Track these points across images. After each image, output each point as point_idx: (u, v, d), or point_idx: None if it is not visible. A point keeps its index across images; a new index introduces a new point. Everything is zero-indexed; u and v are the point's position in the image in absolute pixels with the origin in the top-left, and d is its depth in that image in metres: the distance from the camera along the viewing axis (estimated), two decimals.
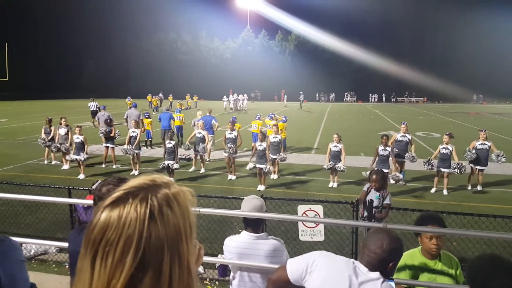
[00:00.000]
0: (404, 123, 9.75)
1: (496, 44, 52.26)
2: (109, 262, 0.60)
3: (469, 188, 8.86)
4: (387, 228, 1.94)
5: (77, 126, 9.94)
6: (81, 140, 9.72)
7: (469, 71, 52.26)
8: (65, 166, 10.67)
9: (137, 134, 10.12)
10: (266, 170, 8.77)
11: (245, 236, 2.61)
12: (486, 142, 8.78)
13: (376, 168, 7.28)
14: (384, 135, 8.82)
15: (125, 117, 12.33)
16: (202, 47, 60.91)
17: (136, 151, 10.03)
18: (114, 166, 10.80)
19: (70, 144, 10.17)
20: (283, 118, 13.29)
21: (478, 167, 8.76)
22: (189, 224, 0.67)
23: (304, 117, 27.97)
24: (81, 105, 31.50)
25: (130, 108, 15.91)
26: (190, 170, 10.35)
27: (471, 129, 19.59)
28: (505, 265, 1.78)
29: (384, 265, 1.72)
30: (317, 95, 50.76)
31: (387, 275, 1.74)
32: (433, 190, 8.63)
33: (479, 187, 8.77)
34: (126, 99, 29.12)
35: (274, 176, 9.76)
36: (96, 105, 19.96)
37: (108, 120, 11.33)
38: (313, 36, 56.98)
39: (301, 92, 38.70)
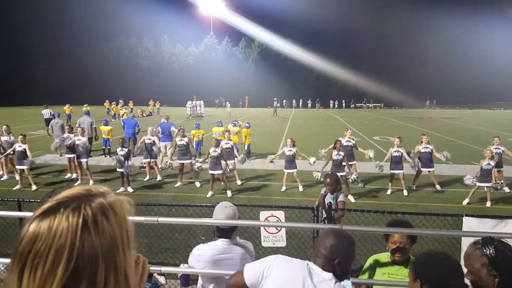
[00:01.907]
0: (348, 128, 10.27)
1: (448, 53, 56.36)
2: (39, 275, 0.58)
3: (414, 188, 9.38)
4: (336, 229, 1.99)
5: (21, 135, 9.50)
6: (24, 149, 9.28)
7: (423, 79, 56.01)
8: (5, 177, 10.21)
9: (83, 141, 9.80)
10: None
11: (221, 243, 2.61)
12: (428, 146, 9.40)
13: (329, 172, 7.52)
14: (337, 140, 9.19)
15: (77, 125, 11.93)
16: (164, 52, 59.90)
17: (82, 160, 9.73)
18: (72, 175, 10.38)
19: (13, 153, 9.55)
20: (247, 124, 13.37)
21: (424, 169, 9.30)
22: (126, 234, 0.66)
23: (268, 123, 28.28)
24: (36, 112, 29.66)
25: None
26: (145, 179, 10.14)
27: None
28: (452, 263, 1.88)
29: (334, 264, 1.74)
30: (284, 101, 51.41)
31: (340, 275, 1.78)
32: (389, 192, 9.04)
33: (437, 187, 9.28)
34: (65, 106, 27.45)
35: (238, 182, 9.84)
36: (50, 112, 19.00)
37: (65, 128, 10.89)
38: (275, 44, 58.14)
39: (275, 98, 38.44)
